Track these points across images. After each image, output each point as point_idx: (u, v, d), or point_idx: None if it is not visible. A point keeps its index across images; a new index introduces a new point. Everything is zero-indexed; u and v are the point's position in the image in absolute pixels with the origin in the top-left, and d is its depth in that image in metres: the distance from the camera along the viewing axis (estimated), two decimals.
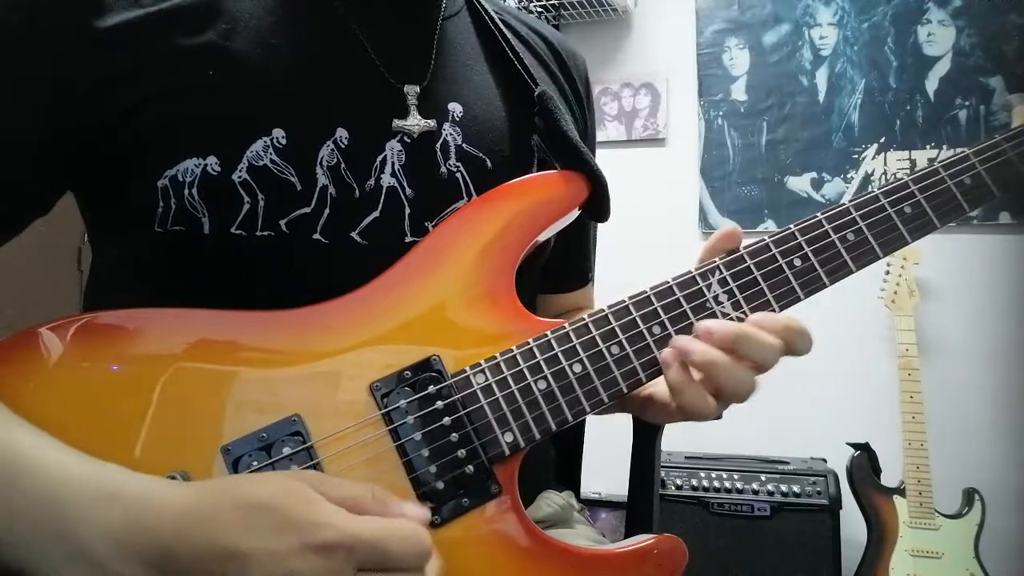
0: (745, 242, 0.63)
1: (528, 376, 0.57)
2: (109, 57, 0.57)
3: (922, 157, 2.22)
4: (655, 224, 2.39)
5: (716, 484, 1.96)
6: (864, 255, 0.63)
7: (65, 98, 0.56)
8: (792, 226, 0.63)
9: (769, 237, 0.63)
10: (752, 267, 0.62)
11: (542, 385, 0.57)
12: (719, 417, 0.61)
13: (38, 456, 0.46)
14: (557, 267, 0.78)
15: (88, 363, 0.53)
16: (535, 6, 2.39)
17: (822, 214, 0.64)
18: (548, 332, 0.59)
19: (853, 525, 1.95)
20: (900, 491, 1.92)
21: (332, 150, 0.61)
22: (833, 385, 2.21)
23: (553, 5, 2.42)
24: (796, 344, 0.59)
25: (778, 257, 0.62)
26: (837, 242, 0.63)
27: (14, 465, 0.45)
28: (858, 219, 0.64)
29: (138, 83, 0.57)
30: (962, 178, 0.65)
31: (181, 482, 0.47)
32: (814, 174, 2.30)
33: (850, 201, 0.64)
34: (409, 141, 0.64)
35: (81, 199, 0.65)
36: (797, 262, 0.62)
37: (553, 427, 0.57)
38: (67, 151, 0.58)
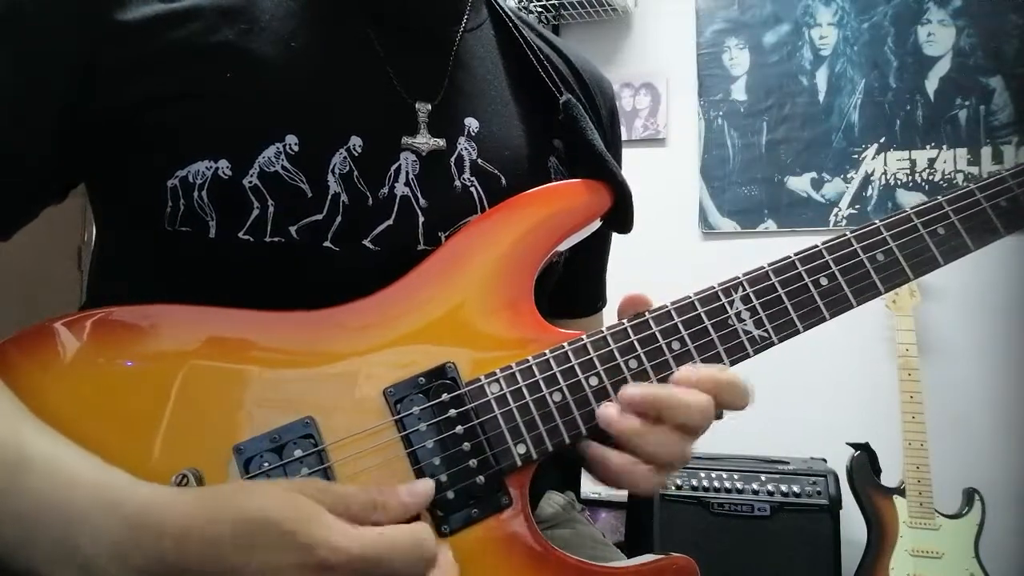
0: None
1: (543, 387, 0.56)
2: (126, 50, 0.56)
3: (922, 157, 2.22)
4: (655, 224, 2.39)
5: (716, 484, 1.96)
6: (893, 276, 0.62)
7: (82, 86, 0.56)
8: (819, 244, 0.62)
9: (795, 254, 0.62)
10: (776, 284, 0.61)
11: (557, 397, 0.56)
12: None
13: (51, 458, 0.45)
14: (574, 291, 0.77)
15: (103, 358, 0.52)
16: (535, 6, 2.39)
17: (851, 233, 0.62)
18: (565, 344, 0.58)
19: (853, 525, 1.95)
20: (900, 491, 1.92)
21: (345, 158, 0.60)
22: (833, 385, 2.21)
23: (553, 5, 2.42)
24: (726, 396, 0.55)
25: (804, 275, 0.61)
26: (866, 262, 0.62)
27: (23, 464, 0.45)
28: (888, 239, 0.63)
29: (154, 78, 0.56)
30: (998, 200, 0.64)
31: (185, 491, 0.47)
32: (814, 174, 2.30)
33: (880, 220, 0.63)
34: (423, 154, 0.64)
35: (92, 192, 0.64)
36: (823, 281, 0.61)
37: (567, 440, 0.56)
38: (83, 139, 0.58)
